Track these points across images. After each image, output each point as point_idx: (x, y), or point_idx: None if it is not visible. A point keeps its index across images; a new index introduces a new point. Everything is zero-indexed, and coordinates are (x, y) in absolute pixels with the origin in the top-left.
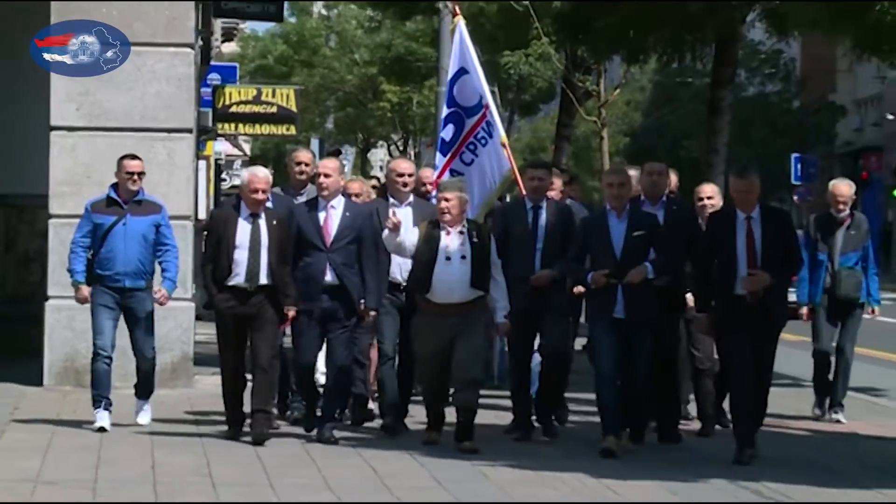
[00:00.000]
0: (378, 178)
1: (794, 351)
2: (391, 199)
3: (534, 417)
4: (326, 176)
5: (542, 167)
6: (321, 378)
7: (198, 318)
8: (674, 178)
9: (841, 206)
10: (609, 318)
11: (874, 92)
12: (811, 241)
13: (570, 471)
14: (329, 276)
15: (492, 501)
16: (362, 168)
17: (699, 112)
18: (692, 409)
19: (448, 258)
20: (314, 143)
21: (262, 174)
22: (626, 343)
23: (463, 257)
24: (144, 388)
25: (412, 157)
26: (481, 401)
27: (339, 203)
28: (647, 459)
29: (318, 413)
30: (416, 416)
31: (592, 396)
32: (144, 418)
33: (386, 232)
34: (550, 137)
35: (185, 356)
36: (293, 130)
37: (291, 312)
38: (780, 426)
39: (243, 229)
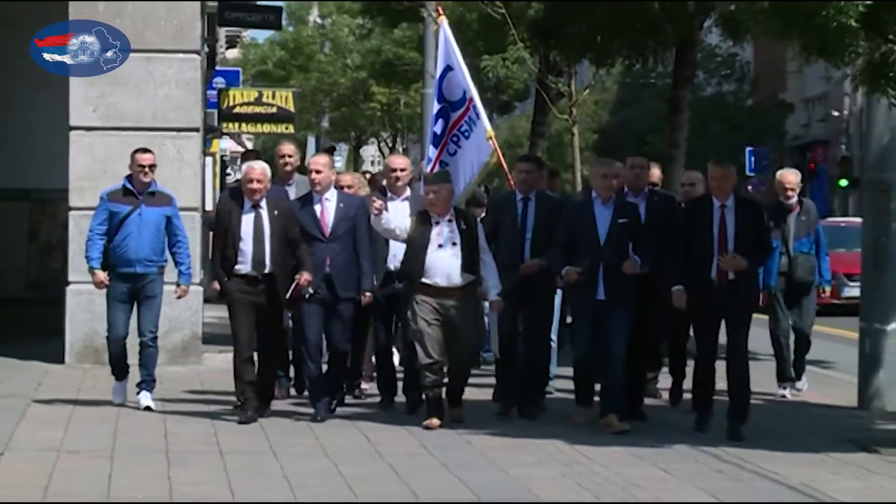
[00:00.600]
0: (369, 172)
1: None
2: (388, 193)
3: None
4: (318, 172)
5: (530, 161)
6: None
7: (206, 300)
8: (656, 171)
9: (789, 193)
10: (591, 301)
11: (821, 91)
12: None
13: (547, 437)
14: (329, 265)
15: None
16: (355, 163)
17: (661, 110)
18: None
19: (440, 245)
20: (311, 141)
21: (259, 167)
22: (606, 324)
23: (454, 244)
24: (146, 369)
25: (400, 153)
26: (473, 379)
27: (332, 196)
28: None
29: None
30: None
31: (569, 371)
32: (146, 400)
33: (372, 216)
34: (526, 134)
35: (194, 335)
36: (291, 129)
37: (306, 276)
38: None
39: (246, 221)
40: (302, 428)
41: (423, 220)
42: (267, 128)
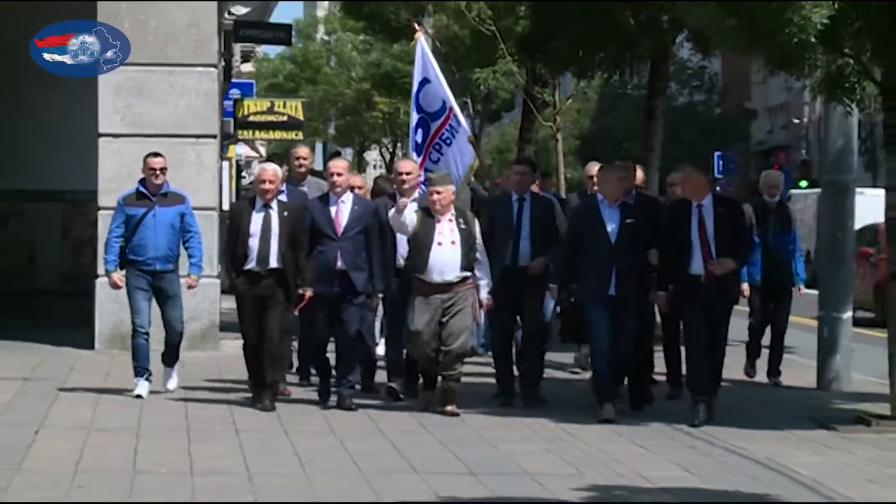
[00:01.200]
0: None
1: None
2: (397, 195)
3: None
4: (339, 175)
5: (525, 164)
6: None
7: (223, 291)
8: (640, 174)
9: (773, 191)
10: (605, 297)
11: (783, 100)
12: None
13: (534, 417)
14: (340, 263)
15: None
16: (359, 166)
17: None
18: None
19: (440, 243)
20: (318, 147)
21: (271, 168)
22: (615, 320)
23: (453, 242)
24: (170, 358)
25: (400, 157)
26: (469, 368)
27: (348, 198)
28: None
29: (334, 382)
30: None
31: (556, 357)
32: (172, 384)
33: (392, 211)
34: (515, 140)
35: (212, 324)
36: (300, 136)
37: (308, 293)
38: None
39: (256, 219)
40: (310, 409)
41: (426, 218)
42: (278, 134)
